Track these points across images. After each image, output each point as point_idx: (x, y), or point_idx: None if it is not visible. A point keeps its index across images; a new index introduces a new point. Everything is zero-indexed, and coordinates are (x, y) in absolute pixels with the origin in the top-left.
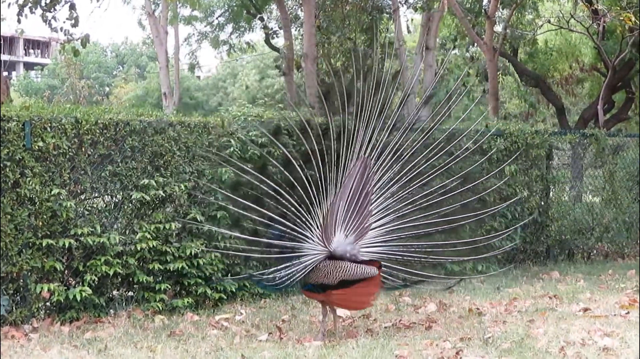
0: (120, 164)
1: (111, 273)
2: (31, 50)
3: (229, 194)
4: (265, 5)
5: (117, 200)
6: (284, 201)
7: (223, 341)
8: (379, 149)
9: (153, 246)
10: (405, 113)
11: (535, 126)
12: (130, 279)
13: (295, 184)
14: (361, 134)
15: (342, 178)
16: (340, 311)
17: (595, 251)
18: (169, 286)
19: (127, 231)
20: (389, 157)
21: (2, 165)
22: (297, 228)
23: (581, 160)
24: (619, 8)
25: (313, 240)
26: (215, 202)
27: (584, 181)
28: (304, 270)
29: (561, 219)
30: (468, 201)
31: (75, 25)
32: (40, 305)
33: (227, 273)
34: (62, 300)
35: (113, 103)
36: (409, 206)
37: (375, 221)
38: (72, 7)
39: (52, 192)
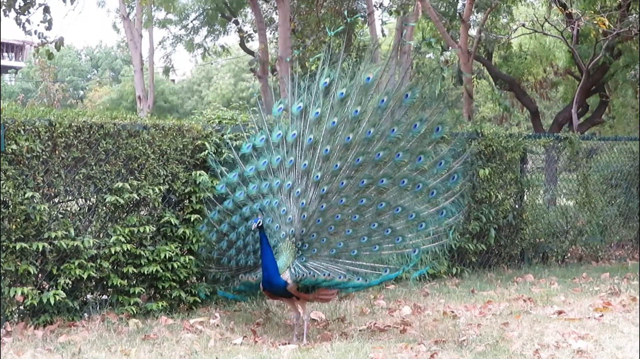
0: (94, 167)
1: (85, 276)
2: (5, 54)
3: None
4: (240, 9)
5: (91, 203)
6: None
7: (197, 345)
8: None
9: (127, 249)
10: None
11: (509, 129)
12: (105, 282)
13: None
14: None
15: None
16: (315, 315)
17: (569, 255)
18: (143, 290)
19: (101, 235)
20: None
21: None
22: None
23: (555, 164)
24: (593, 12)
25: None
26: (190, 205)
27: (558, 184)
28: None
29: (535, 222)
30: None
31: (49, 28)
32: (13, 309)
33: (202, 276)
34: (36, 304)
35: (87, 106)
36: None
37: None
38: (46, 10)
39: (26, 195)
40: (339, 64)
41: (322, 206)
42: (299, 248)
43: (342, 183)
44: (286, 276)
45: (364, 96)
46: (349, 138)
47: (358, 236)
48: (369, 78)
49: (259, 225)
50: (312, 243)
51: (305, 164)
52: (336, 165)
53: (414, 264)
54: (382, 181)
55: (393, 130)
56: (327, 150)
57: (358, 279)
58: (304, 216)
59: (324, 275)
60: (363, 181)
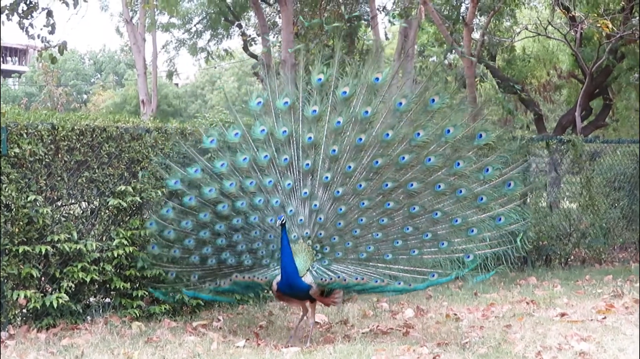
0: (96, 170)
1: (88, 279)
2: (8, 58)
3: None
4: (243, 12)
5: (93, 207)
6: None
7: (200, 348)
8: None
9: (130, 252)
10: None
11: (513, 132)
12: (107, 285)
13: None
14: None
15: None
16: (317, 318)
17: (572, 257)
18: (146, 293)
19: (104, 238)
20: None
21: None
22: None
23: (559, 166)
24: (596, 15)
25: None
26: None
27: (562, 187)
28: None
29: (539, 225)
30: None
31: (52, 32)
32: (16, 312)
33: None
34: (39, 307)
35: (91, 110)
36: None
37: None
38: (50, 14)
39: (29, 199)
40: (335, 62)
41: (341, 209)
42: (318, 251)
43: (360, 185)
44: (308, 279)
45: (374, 97)
46: (360, 139)
47: (389, 239)
48: (377, 78)
49: (283, 223)
50: (335, 247)
51: (307, 164)
52: (349, 167)
53: (471, 269)
54: (412, 184)
55: (418, 134)
56: (334, 150)
57: (399, 283)
58: (320, 218)
59: (356, 279)
60: (387, 184)
